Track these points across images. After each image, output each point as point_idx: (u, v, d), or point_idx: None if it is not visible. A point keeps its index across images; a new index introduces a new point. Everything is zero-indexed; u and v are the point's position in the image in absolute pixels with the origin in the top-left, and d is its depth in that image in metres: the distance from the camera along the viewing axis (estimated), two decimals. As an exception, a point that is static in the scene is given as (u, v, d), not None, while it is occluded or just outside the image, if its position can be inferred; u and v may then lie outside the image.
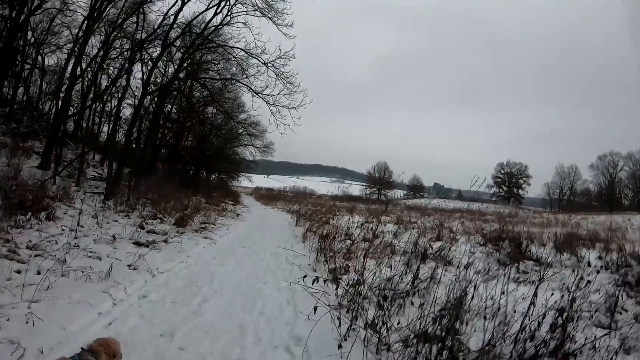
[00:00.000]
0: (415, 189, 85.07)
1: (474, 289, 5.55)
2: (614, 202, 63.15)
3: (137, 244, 8.87)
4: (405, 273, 6.40)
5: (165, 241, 9.54)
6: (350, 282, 5.94)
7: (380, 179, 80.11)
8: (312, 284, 4.75)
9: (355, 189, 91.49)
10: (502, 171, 75.92)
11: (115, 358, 3.10)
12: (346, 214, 26.26)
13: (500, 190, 75.93)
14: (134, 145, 22.77)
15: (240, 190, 54.58)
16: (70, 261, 6.24)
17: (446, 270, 9.12)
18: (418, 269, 6.20)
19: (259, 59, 18.61)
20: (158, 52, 19.17)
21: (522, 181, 74.89)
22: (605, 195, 66.58)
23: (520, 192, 75.11)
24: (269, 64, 18.53)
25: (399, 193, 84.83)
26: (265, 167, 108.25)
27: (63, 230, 8.68)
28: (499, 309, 5.45)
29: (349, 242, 11.59)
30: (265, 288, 6.81)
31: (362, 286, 5.52)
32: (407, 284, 6.35)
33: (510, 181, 75.05)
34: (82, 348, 2.97)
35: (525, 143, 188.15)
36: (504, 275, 9.20)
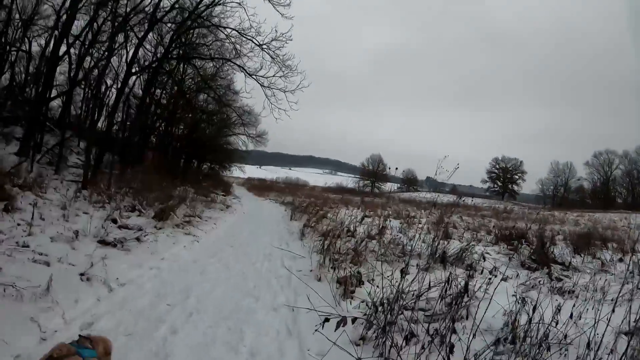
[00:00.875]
0: (409, 182, 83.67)
1: (534, 310, 4.10)
2: (608, 200, 62.39)
3: (103, 242, 7.24)
4: (445, 290, 4.82)
5: (137, 239, 7.86)
6: (374, 301, 4.35)
7: (374, 172, 78.52)
8: (336, 329, 3.14)
9: (348, 180, 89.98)
10: (497, 166, 74.84)
11: (108, 356, 2.87)
12: (342, 207, 24.86)
13: (495, 186, 74.88)
14: (117, 131, 21.06)
15: (232, 181, 52.88)
16: (6, 268, 4.66)
17: (471, 277, 7.68)
18: (467, 285, 4.68)
19: (254, 40, 16.93)
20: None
21: (517, 176, 73.89)
22: (599, 193, 65.76)
23: (515, 187, 74.15)
24: (264, 46, 16.85)
25: (392, 186, 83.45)
26: (258, 158, 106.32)
27: (19, 224, 7.10)
28: (565, 336, 3.98)
29: (353, 240, 10.07)
30: (257, 307, 5.15)
31: (394, 309, 3.98)
32: (439, 301, 4.85)
33: (505, 176, 73.93)
34: (80, 335, 2.85)
35: (519, 140, 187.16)
36: (540, 283, 7.65)
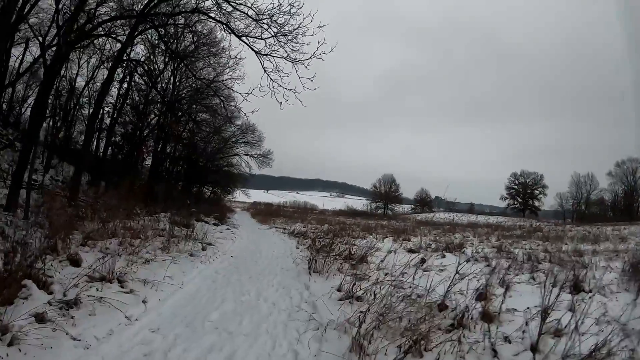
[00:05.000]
0: (423, 203, 75.77)
1: None
2: (631, 211, 54.84)
3: None
4: None
5: None
6: None
7: (386, 193, 70.76)
8: None
9: (356, 203, 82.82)
10: (517, 181, 66.75)
11: None
12: (366, 235, 18.09)
13: (515, 202, 66.72)
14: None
15: (235, 206, 45.88)
16: None
17: None
18: None
19: (249, 14, 10.14)
20: None
21: (537, 191, 65.73)
22: (622, 204, 58.13)
23: (536, 203, 65.83)
24: (263, 20, 10.03)
25: (406, 207, 75.74)
26: (265, 182, 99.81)
27: None
28: None
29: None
30: None
31: None
32: None
33: (525, 192, 65.86)
34: None
35: (534, 155, 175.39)
36: None
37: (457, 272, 9.19)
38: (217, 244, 11.32)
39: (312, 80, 9.93)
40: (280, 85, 9.91)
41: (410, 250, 13.14)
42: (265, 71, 9.99)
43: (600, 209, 60.67)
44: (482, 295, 6.62)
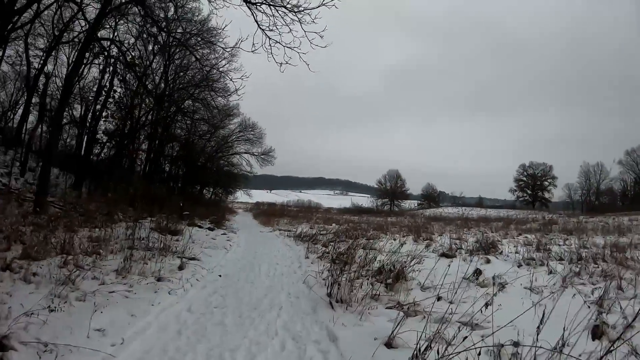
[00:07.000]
0: (430, 198, 72.60)
1: None
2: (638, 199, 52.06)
3: None
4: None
5: None
6: None
7: (392, 189, 67.73)
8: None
9: (361, 200, 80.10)
10: (526, 173, 63.75)
11: None
12: (383, 235, 15.52)
13: (525, 195, 63.65)
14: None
15: (237, 207, 43.26)
16: None
17: None
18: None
19: None
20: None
21: (547, 183, 62.60)
22: (631, 193, 55.35)
23: (546, 195, 62.67)
24: None
25: (412, 203, 72.85)
26: (268, 182, 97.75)
27: None
28: None
29: None
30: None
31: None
32: None
33: (534, 184, 62.76)
34: None
35: (540, 147, 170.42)
36: None
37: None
38: (204, 256, 8.56)
39: (321, 37, 7.28)
40: (279, 42, 7.24)
41: (444, 255, 10.51)
42: (259, 26, 7.30)
43: (610, 198, 58.02)
44: (598, 330, 4.24)
